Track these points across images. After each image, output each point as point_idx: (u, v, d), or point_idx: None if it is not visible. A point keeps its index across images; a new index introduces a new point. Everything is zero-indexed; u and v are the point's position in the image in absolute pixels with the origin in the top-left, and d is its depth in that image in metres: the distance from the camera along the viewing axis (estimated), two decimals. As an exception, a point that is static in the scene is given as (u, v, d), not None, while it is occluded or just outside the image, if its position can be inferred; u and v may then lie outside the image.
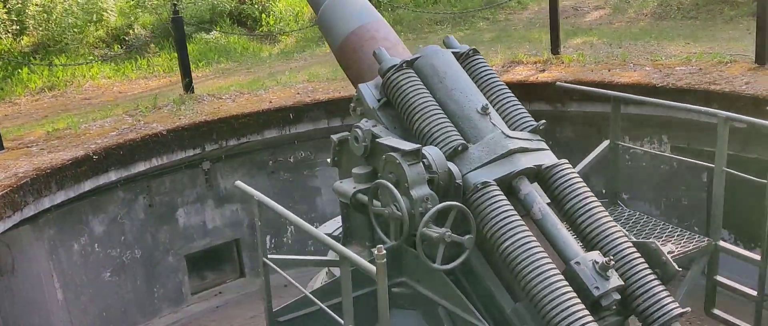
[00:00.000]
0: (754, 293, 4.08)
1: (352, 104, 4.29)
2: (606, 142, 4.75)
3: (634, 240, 3.50)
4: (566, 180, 3.56)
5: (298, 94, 7.81)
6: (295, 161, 8.11)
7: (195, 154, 6.99)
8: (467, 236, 3.29)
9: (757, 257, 4.01)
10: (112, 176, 6.28)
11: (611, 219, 3.51)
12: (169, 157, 6.57)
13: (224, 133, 6.88)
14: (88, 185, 6.02)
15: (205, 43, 12.90)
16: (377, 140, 3.70)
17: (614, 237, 3.41)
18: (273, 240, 8.27)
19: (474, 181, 3.46)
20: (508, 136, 3.64)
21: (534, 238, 3.29)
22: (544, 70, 7.67)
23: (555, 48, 8.27)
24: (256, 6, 14.78)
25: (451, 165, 3.48)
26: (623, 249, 3.37)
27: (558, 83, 5.91)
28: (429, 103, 3.78)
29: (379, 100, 4.14)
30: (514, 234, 3.27)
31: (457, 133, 3.67)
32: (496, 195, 3.39)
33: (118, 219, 6.86)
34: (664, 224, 4.48)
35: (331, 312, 3.07)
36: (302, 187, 8.14)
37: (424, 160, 3.42)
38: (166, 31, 13.28)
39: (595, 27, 11.71)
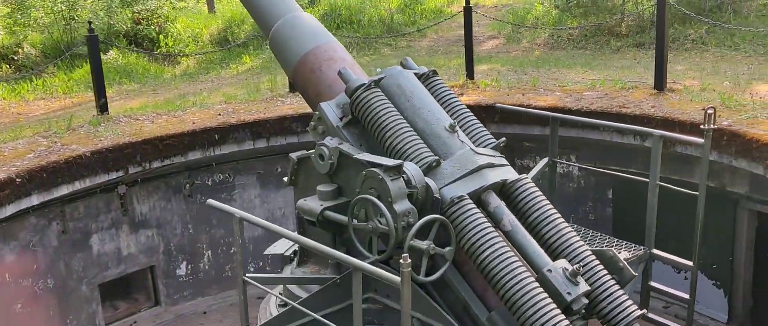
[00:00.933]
0: (686, 296, 4.48)
1: (312, 123, 4.32)
2: (545, 160, 5.05)
3: (594, 249, 3.76)
4: (529, 194, 3.79)
5: (220, 115, 7.68)
6: (214, 184, 7.95)
7: (115, 177, 6.69)
8: (448, 248, 3.42)
9: (690, 263, 4.41)
10: (35, 200, 5.89)
11: (572, 230, 3.76)
12: (91, 180, 6.25)
13: (148, 155, 6.64)
14: (9, 210, 5.61)
15: (103, 63, 12.36)
16: (355, 156, 3.76)
17: (577, 247, 3.66)
18: (190, 266, 8.04)
19: (449, 195, 3.60)
20: (476, 152, 3.82)
21: (509, 249, 3.47)
22: (462, 94, 7.99)
23: (470, 73, 8.65)
24: (152, 27, 14.37)
25: (429, 180, 3.61)
26: (585, 257, 3.63)
27: (497, 105, 6.24)
28: (400, 120, 3.89)
29: (341, 119, 4.20)
30: (492, 245, 3.43)
31: (429, 150, 3.80)
32: (471, 209, 3.55)
33: (30, 246, 6.43)
34: (601, 235, 4.81)
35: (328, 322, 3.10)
36: (220, 211, 7.96)
37: (404, 175, 3.53)
38: (57, 49, 12.64)
39: (494, 55, 12.34)
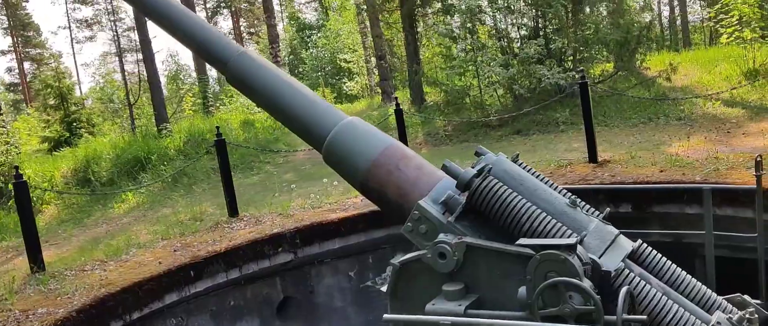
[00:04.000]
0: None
1: (408, 224, 4.11)
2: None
3: (727, 296, 3.95)
4: (655, 256, 3.94)
5: (176, 250, 6.95)
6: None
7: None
8: (643, 316, 3.40)
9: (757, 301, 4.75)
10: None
11: (700, 284, 3.94)
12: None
13: (129, 306, 5.75)
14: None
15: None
16: (495, 247, 3.64)
17: (713, 298, 3.83)
18: None
19: (609, 267, 3.61)
20: (606, 223, 3.90)
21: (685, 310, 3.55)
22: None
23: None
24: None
25: (592, 256, 3.59)
26: (727, 306, 3.81)
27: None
28: (529, 203, 3.86)
29: (444, 213, 4.06)
30: (671, 307, 3.49)
31: (567, 228, 3.80)
32: (636, 277, 3.59)
33: None
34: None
35: None
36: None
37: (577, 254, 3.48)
38: None
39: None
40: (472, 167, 4.19)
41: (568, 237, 3.69)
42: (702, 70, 15.54)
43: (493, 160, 4.20)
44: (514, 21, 13.47)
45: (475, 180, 3.94)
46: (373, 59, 27.43)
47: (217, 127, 8.63)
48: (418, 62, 16.92)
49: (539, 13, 13.42)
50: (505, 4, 13.38)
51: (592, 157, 8.07)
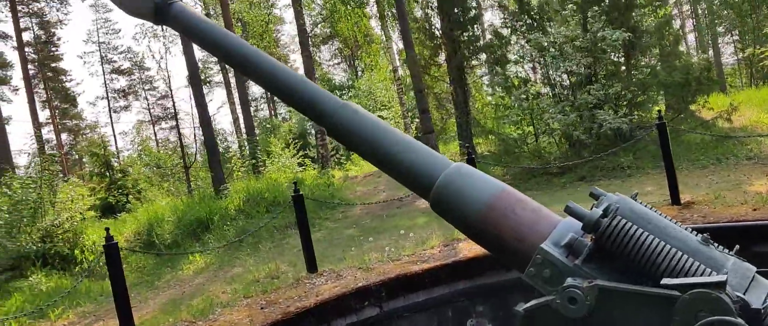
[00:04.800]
0: None
1: (531, 269, 3.99)
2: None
3: None
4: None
5: (263, 308, 6.91)
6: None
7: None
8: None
9: None
10: None
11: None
12: None
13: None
14: None
15: (29, 290, 10.82)
16: (633, 288, 3.52)
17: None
18: None
19: (757, 306, 3.46)
20: (742, 260, 3.77)
21: None
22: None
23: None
24: (63, 243, 12.99)
25: (738, 293, 3.45)
26: None
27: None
28: (663, 242, 3.75)
29: (567, 256, 3.96)
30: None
31: (705, 266, 3.67)
32: (784, 316, 3.43)
33: None
34: None
35: None
36: None
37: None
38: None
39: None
40: (593, 208, 4.11)
41: (708, 275, 3.57)
42: (759, 109, 15.32)
43: (616, 199, 4.12)
44: (568, 68, 13.47)
45: (604, 221, 3.86)
46: (410, 114, 27.65)
47: (295, 182, 8.69)
48: (468, 113, 16.97)
49: (593, 59, 13.41)
50: (559, 52, 13.41)
51: (675, 199, 7.90)
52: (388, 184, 18.18)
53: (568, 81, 14.12)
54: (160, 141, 51.33)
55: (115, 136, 53.88)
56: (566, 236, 3.98)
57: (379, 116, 32.05)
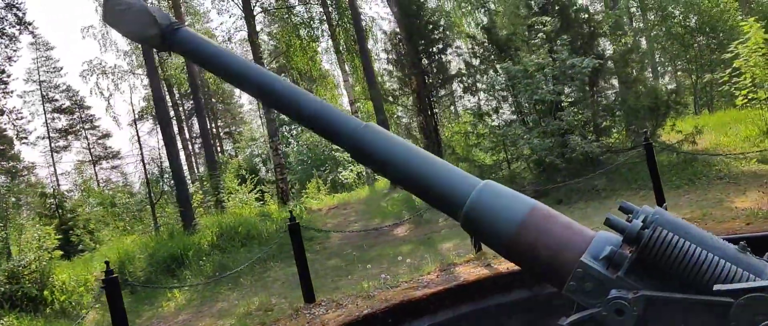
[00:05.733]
0: None
1: (572, 284, 4.03)
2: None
3: None
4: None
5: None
6: None
7: None
8: None
9: None
10: None
11: None
12: None
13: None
14: None
15: (0, 332, 10.33)
16: (681, 297, 3.58)
17: None
18: None
19: (795, 313, 3.56)
20: (776, 266, 3.88)
21: None
22: (489, 264, 7.97)
23: (478, 247, 8.73)
24: (31, 284, 12.47)
25: (783, 298, 3.54)
26: None
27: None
28: (705, 251, 3.83)
29: (607, 269, 4.02)
30: None
31: (748, 273, 3.77)
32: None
33: None
34: None
35: None
36: None
37: (775, 294, 3.44)
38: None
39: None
40: (629, 221, 4.19)
41: (754, 281, 3.66)
42: (718, 132, 15.89)
43: (652, 211, 4.20)
44: (539, 95, 13.75)
45: (646, 232, 3.93)
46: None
47: (291, 212, 8.59)
48: (440, 142, 17.12)
49: (562, 86, 13.75)
50: (530, 80, 13.71)
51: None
52: (359, 215, 18.11)
53: (535, 108, 14.42)
54: (100, 181, 50.04)
55: (57, 177, 52.19)
56: (605, 249, 4.02)
57: (337, 150, 32.01)
